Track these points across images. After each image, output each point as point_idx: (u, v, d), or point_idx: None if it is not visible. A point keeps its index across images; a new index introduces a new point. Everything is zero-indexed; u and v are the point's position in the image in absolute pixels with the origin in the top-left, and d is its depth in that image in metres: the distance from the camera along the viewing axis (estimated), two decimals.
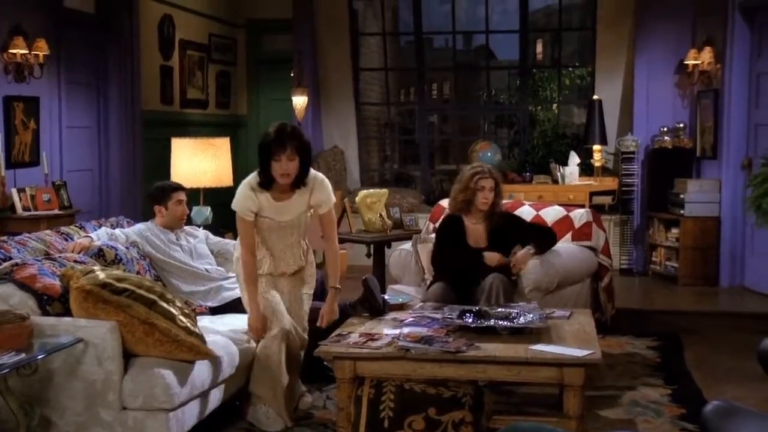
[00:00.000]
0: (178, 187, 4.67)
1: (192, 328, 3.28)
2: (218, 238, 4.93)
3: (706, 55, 7.10)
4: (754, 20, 6.70)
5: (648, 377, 4.76)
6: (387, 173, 10.85)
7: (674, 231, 7.16)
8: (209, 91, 9.95)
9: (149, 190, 4.76)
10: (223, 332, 3.83)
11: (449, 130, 12.68)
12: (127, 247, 4.31)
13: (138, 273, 4.12)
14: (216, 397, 3.62)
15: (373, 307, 4.21)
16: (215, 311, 4.43)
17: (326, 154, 8.69)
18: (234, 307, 4.38)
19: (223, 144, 5.59)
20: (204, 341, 3.33)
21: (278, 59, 9.61)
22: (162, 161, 8.27)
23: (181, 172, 5.48)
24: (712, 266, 7.00)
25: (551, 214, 5.33)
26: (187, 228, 4.75)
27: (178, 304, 3.37)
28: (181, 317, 3.27)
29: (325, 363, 4.53)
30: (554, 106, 10.22)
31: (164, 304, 3.24)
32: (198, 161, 5.40)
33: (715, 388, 4.57)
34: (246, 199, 4.02)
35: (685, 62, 7.30)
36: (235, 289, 4.45)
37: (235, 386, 3.85)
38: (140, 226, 4.59)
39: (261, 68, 10.62)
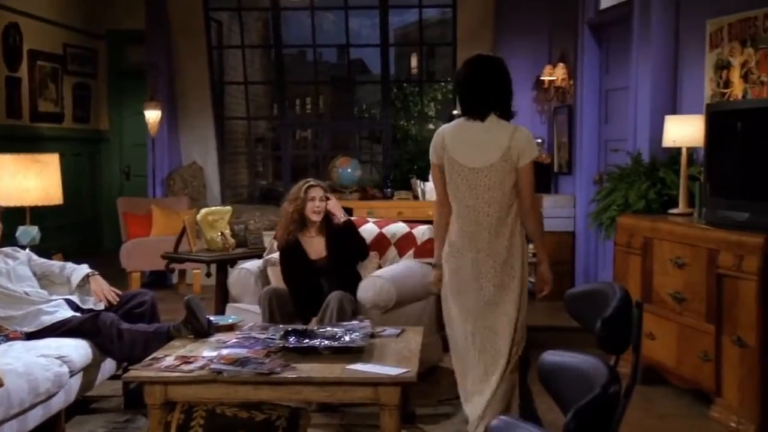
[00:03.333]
0: None
1: None
2: (43, 260, 4.79)
3: (560, 72, 7.38)
4: (601, 37, 7.00)
5: None
6: (257, 190, 10.80)
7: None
8: (65, 104, 9.71)
9: None
10: (29, 359, 3.72)
11: (323, 146, 12.74)
12: None
13: None
14: (13, 430, 3.51)
15: (196, 328, 4.17)
16: (34, 335, 4.29)
17: (183, 171, 8.59)
18: (54, 329, 4.27)
19: (51, 160, 5.45)
20: None
21: (141, 71, 9.46)
22: None
23: (4, 189, 5.32)
24: (568, 281, 7.24)
25: (394, 230, 5.40)
26: (6, 249, 4.61)
27: None
28: None
29: None
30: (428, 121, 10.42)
31: None
32: (21, 178, 5.25)
33: (549, 404, 4.70)
34: None
35: (542, 78, 7.57)
36: (55, 313, 4.34)
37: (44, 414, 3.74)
38: None
39: (123, 81, 10.45)
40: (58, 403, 3.86)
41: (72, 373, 3.97)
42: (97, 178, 10.56)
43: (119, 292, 4.67)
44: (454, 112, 8.02)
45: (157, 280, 8.04)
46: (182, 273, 7.78)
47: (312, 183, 4.98)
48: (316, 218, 4.90)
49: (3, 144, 7.88)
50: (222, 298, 5.55)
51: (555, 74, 7.41)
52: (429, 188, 7.89)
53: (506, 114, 3.74)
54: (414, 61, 13.86)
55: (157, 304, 4.73)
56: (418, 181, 7.92)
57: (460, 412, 4.49)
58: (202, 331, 4.17)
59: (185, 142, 8.84)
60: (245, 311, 4.94)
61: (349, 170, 8.10)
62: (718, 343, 4.30)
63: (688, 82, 5.74)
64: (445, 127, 3.84)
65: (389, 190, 8.02)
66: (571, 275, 7.24)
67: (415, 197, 7.91)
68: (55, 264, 4.76)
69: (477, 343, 3.80)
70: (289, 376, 3.52)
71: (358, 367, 3.61)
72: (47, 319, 4.35)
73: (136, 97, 9.76)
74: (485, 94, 3.67)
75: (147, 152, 8.84)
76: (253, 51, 11.77)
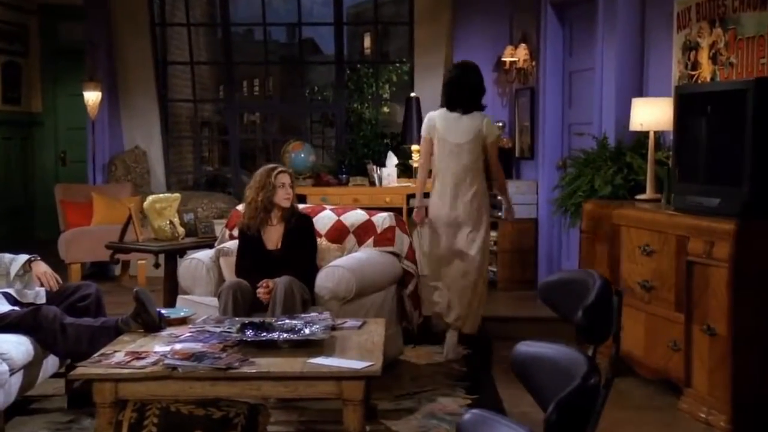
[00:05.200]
0: None
1: None
2: None
3: (522, 53, 7.43)
4: (565, 17, 7.06)
5: (450, 388, 4.90)
6: (203, 176, 10.70)
7: (492, 234, 7.41)
8: None
9: None
10: None
11: (272, 130, 12.67)
12: None
13: None
14: None
15: (146, 322, 4.12)
16: None
17: (125, 156, 8.48)
18: None
19: None
20: None
21: (77, 50, 9.29)
22: None
23: None
24: (531, 270, 7.32)
25: (352, 218, 5.40)
26: None
27: None
28: None
29: None
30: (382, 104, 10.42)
31: None
32: None
33: (517, 395, 4.75)
34: None
35: (503, 59, 7.61)
36: None
37: None
38: None
39: (58, 60, 10.24)
40: None
41: (12, 372, 3.90)
42: (30, 163, 10.35)
43: (61, 281, 4.59)
44: (412, 94, 8.06)
45: (98, 272, 7.93)
46: (125, 264, 7.68)
47: (281, 169, 5.00)
48: (286, 204, 4.92)
49: None
50: (171, 289, 5.50)
51: (516, 55, 7.46)
52: (386, 174, 7.89)
53: (479, 107, 5.59)
54: (367, 41, 13.83)
55: (102, 297, 4.66)
56: (375, 167, 7.91)
57: (423, 407, 4.54)
58: (153, 325, 4.12)
59: (127, 125, 8.71)
60: (197, 304, 4.89)
61: (302, 155, 8.06)
62: (687, 332, 4.38)
63: (655, 63, 5.82)
64: (433, 114, 5.64)
65: (344, 176, 7.99)
66: (533, 263, 7.31)
67: (372, 183, 7.89)
68: (5, 256, 4.66)
69: (455, 254, 5.58)
70: (248, 371, 3.50)
71: (320, 360, 3.61)
72: None
73: (72, 78, 9.58)
74: (469, 94, 5.54)
75: (86, 136, 8.70)
76: (197, 30, 11.62)
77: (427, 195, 5.72)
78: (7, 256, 4.59)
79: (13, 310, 4.29)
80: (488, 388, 4.93)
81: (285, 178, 4.95)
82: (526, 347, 2.59)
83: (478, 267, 5.56)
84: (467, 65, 5.65)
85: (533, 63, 7.35)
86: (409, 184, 7.90)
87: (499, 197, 6.04)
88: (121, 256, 5.86)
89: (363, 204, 7.06)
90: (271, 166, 5.10)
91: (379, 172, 7.87)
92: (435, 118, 5.57)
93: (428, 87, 8.33)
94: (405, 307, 5.40)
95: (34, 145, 10.43)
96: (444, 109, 5.57)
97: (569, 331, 5.61)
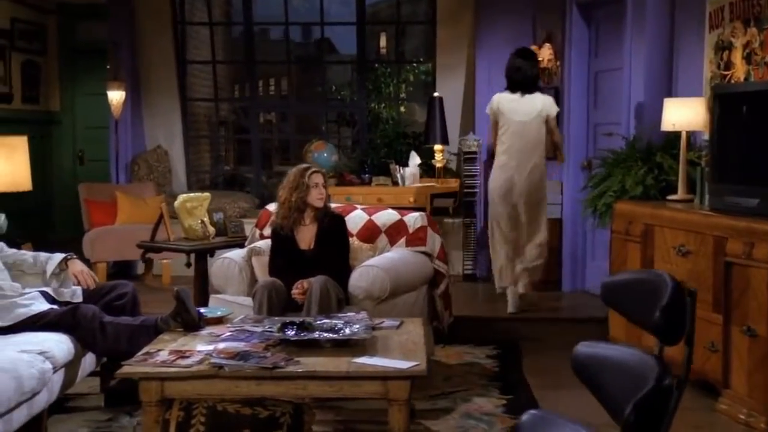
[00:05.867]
0: None
1: None
2: (14, 250, 4.70)
3: (546, 52, 7.42)
4: (591, 17, 7.05)
5: (484, 388, 4.91)
6: (220, 175, 10.71)
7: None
8: (13, 83, 9.50)
9: None
10: (12, 355, 3.64)
11: (288, 129, 12.65)
12: None
13: None
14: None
15: (186, 321, 4.13)
16: (8, 330, 4.20)
17: (148, 155, 8.48)
18: (30, 323, 4.19)
19: (20, 143, 5.34)
20: None
21: (95, 49, 9.30)
22: None
23: None
24: (555, 270, 7.31)
25: (384, 218, 5.39)
26: None
27: None
28: None
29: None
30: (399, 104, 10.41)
31: None
32: None
33: (551, 396, 4.76)
34: None
35: None
36: (30, 305, 4.26)
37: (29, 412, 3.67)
38: None
39: (76, 59, 10.24)
40: (41, 402, 3.79)
41: (54, 370, 3.90)
42: (48, 162, 10.35)
43: (97, 279, 4.60)
44: (435, 94, 8.06)
45: (121, 271, 7.93)
46: (149, 263, 7.68)
47: (315, 169, 5.03)
48: (320, 204, 4.94)
49: None
50: (201, 289, 5.50)
51: (541, 55, 7.45)
52: (408, 173, 7.88)
53: (538, 88, 6.47)
54: (383, 41, 13.82)
55: (138, 296, 4.68)
56: (397, 167, 7.91)
57: (458, 407, 4.55)
58: (192, 324, 4.13)
59: (149, 124, 8.71)
60: (230, 303, 4.90)
61: (325, 155, 8.06)
62: (726, 333, 4.38)
63: (685, 63, 5.82)
64: (497, 96, 6.46)
65: (367, 175, 7.99)
66: (558, 263, 7.30)
67: (395, 183, 7.89)
68: (27, 254, 4.66)
69: (521, 222, 6.46)
70: (294, 370, 3.51)
71: (365, 360, 3.61)
72: (23, 312, 4.25)
73: (90, 77, 9.59)
74: (527, 77, 6.37)
75: (104, 135, 8.69)
76: (215, 29, 11.62)
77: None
78: (43, 254, 4.60)
79: (52, 308, 4.30)
80: (522, 388, 4.93)
81: (318, 178, 4.97)
82: (587, 348, 2.58)
83: (541, 231, 6.43)
84: (525, 51, 6.50)
85: (557, 63, 7.34)
86: (433, 183, 7.90)
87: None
88: (154, 256, 5.84)
89: (387, 203, 7.05)
90: (304, 165, 5.13)
91: (402, 171, 7.86)
92: (498, 100, 6.39)
93: (450, 87, 8.34)
94: (436, 307, 5.40)
95: (52, 143, 10.43)
96: (507, 92, 6.38)
97: (593, 332, 5.66)
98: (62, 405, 4.47)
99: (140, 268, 7.85)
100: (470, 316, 6.33)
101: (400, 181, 7.86)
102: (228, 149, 12.00)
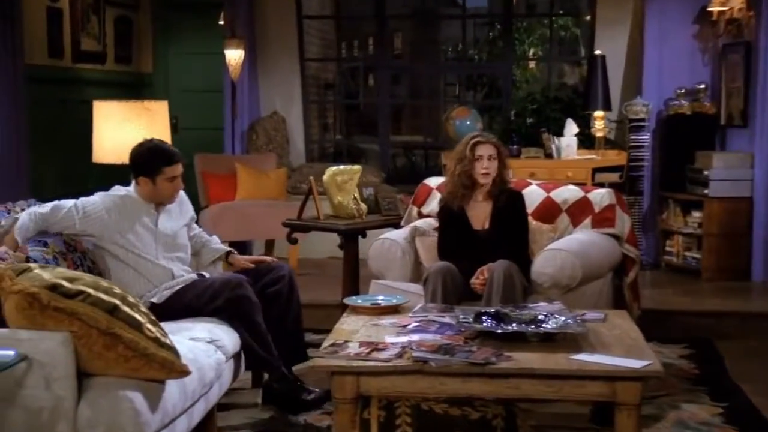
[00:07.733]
0: (176, 158, 4.44)
1: (162, 339, 3.21)
2: (200, 228, 4.90)
3: (737, 0, 7.26)
4: None
5: (689, 393, 4.87)
6: (330, 146, 10.79)
7: (695, 215, 7.31)
8: (107, 41, 9.72)
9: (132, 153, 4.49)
10: (187, 343, 3.75)
11: (401, 94, 12.67)
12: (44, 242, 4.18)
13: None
14: (182, 428, 3.55)
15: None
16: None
17: (265, 122, 8.59)
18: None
19: (160, 108, 5.48)
20: (178, 355, 3.26)
21: (193, 3, 9.44)
22: (53, 128, 8.06)
23: (108, 144, 5.36)
24: (743, 257, 7.17)
25: (565, 194, 5.36)
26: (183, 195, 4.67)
27: (143, 308, 3.28)
28: (149, 325, 3.19)
29: (298, 383, 4.54)
30: (533, 63, 10.34)
31: (127, 309, 3.16)
32: (129, 130, 5.25)
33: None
34: None
35: (709, 9, 7.45)
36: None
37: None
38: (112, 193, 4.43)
39: (170, 14, 10.40)
40: (214, 395, 3.91)
41: (226, 360, 4.02)
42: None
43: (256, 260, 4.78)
44: (597, 52, 7.95)
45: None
46: (269, 243, 7.81)
47: (480, 139, 4.97)
48: (485, 180, 4.90)
49: (47, 89, 7.93)
50: (352, 273, 5.56)
51: (728, 3, 7.29)
52: (564, 145, 7.80)
53: None
54: None
55: (295, 280, 4.77)
56: (551, 136, 7.84)
57: (667, 414, 4.53)
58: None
59: (266, 88, 8.81)
60: (394, 290, 4.93)
61: (468, 122, 8.04)
62: None
63: None
64: None
65: (515, 147, 7.94)
66: (746, 250, 7.17)
67: (548, 155, 7.83)
68: (205, 236, 4.84)
69: None
70: (508, 366, 3.52)
71: (586, 357, 3.60)
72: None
73: (185, 35, 9.75)
74: None
75: (199, 100, 8.80)
76: None
77: None
78: (205, 235, 4.78)
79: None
80: (735, 394, 4.86)
81: (484, 150, 4.90)
82: None
83: None
84: None
85: (750, 13, 7.17)
86: (593, 156, 7.82)
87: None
88: (299, 235, 5.94)
89: (540, 178, 6.99)
90: (472, 134, 5.11)
91: (556, 142, 7.79)
92: None
93: (612, 45, 8.23)
94: (624, 297, 5.36)
95: None
96: None
97: None
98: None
99: (256, 249, 7.96)
100: (645, 309, 6.26)
101: (555, 153, 7.79)
102: (336, 117, 12.09)
